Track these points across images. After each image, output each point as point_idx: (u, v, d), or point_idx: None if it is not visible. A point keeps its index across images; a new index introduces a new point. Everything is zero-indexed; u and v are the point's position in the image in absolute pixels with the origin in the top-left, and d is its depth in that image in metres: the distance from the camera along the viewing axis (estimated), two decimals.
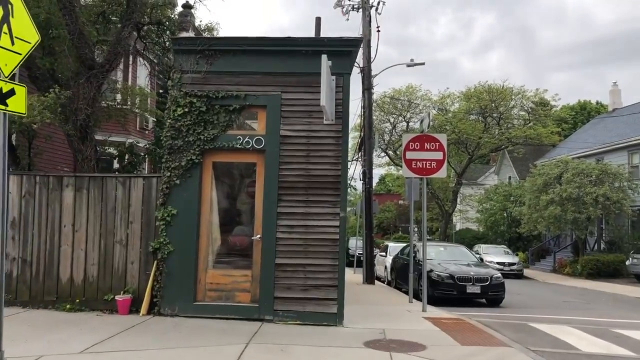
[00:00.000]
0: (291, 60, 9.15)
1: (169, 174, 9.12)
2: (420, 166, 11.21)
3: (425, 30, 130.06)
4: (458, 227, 50.35)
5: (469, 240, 41.41)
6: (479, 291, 14.42)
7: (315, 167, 9.00)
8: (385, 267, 20.46)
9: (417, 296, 13.01)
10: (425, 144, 11.22)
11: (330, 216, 8.90)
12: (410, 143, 11.33)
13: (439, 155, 11.15)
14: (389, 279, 19.50)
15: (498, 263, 27.17)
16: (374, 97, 20.85)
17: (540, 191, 28.32)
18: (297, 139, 9.06)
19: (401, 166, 43.62)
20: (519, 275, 27.37)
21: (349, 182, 36.98)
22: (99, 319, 8.69)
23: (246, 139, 9.10)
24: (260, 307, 8.84)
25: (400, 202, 58.95)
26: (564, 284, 23.64)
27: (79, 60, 11.26)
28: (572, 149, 33.92)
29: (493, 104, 38.69)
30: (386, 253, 21.28)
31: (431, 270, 14.33)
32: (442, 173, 11.23)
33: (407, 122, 40.64)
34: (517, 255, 31.86)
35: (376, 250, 31.02)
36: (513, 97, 39.37)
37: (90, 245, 9.37)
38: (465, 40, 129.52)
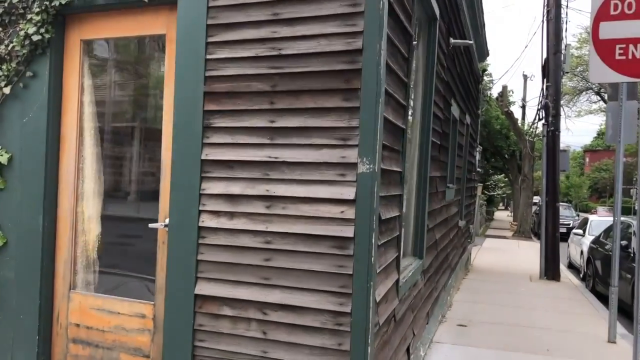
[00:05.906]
0: None
1: None
2: (639, 55, 4.64)
3: None
4: None
5: None
6: None
7: (294, 37, 3.18)
8: (582, 253, 13.44)
9: (628, 315, 6.71)
10: None
11: (329, 169, 3.08)
12: (612, 2, 4.79)
13: None
14: (585, 271, 12.59)
15: None
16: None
17: None
18: None
19: None
20: None
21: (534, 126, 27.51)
22: None
23: None
24: None
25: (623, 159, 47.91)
26: None
27: None
28: None
29: None
30: (584, 231, 14.13)
31: None
32: None
33: None
34: None
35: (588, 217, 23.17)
36: None
37: None
38: None
